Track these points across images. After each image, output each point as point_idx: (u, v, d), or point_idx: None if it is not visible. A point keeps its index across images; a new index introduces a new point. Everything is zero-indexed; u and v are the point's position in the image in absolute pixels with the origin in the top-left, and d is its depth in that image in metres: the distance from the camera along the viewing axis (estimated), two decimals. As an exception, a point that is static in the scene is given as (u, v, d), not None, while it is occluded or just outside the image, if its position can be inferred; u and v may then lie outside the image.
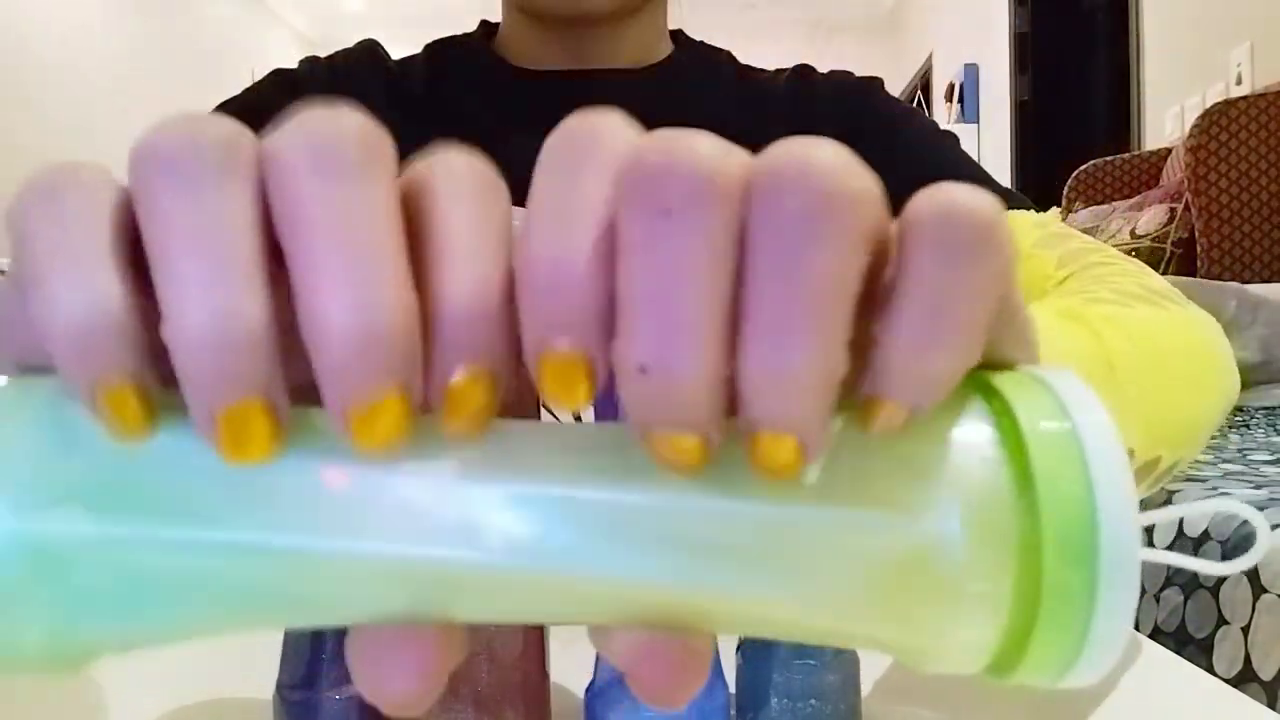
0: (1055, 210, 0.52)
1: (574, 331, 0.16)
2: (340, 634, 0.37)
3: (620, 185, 0.16)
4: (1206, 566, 0.19)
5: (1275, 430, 1.53)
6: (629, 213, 0.16)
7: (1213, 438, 1.45)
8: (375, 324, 0.16)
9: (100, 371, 0.16)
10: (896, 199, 0.18)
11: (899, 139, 0.65)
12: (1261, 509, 0.85)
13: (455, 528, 0.17)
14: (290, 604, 0.18)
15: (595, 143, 0.18)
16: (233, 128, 0.17)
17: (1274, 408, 1.68)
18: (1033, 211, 0.55)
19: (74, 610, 0.17)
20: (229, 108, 0.65)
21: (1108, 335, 0.39)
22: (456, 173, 0.18)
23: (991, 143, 4.49)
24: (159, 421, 0.17)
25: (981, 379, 0.19)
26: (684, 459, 0.17)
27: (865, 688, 0.37)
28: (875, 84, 0.70)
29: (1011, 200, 0.59)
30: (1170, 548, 0.95)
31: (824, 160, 0.16)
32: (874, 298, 0.17)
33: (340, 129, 0.17)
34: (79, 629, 0.17)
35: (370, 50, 0.69)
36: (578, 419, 0.17)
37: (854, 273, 0.16)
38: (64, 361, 0.16)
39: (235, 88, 0.70)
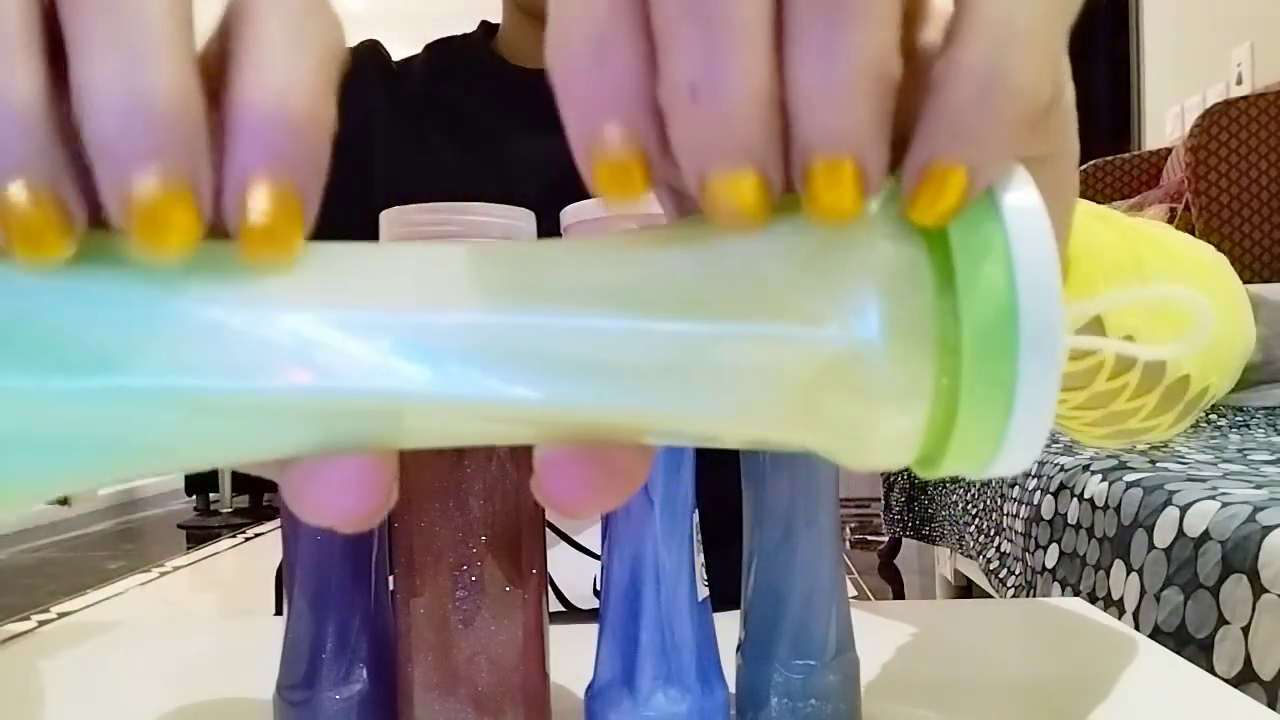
0: None
1: (621, 111, 0.16)
2: (341, 634, 0.37)
3: None
4: (1145, 351, 0.18)
5: (1275, 430, 1.53)
6: None
7: (1212, 437, 1.45)
8: (145, 90, 0.15)
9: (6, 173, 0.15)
10: None
11: None
12: (1262, 509, 0.85)
13: (356, 359, 0.16)
14: (195, 448, 0.17)
15: None
16: None
17: (1274, 408, 1.68)
18: None
19: None
20: None
21: (1134, 238, 0.38)
22: None
23: (991, 143, 4.48)
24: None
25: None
26: (744, 202, 0.16)
27: (865, 688, 0.37)
28: None
29: None
30: (1170, 548, 0.95)
31: None
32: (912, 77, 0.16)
33: None
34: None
35: (371, 50, 0.69)
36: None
37: None
38: None
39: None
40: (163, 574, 3.00)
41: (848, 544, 3.18)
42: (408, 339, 0.16)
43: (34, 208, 0.15)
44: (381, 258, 0.18)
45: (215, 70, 0.16)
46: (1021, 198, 0.16)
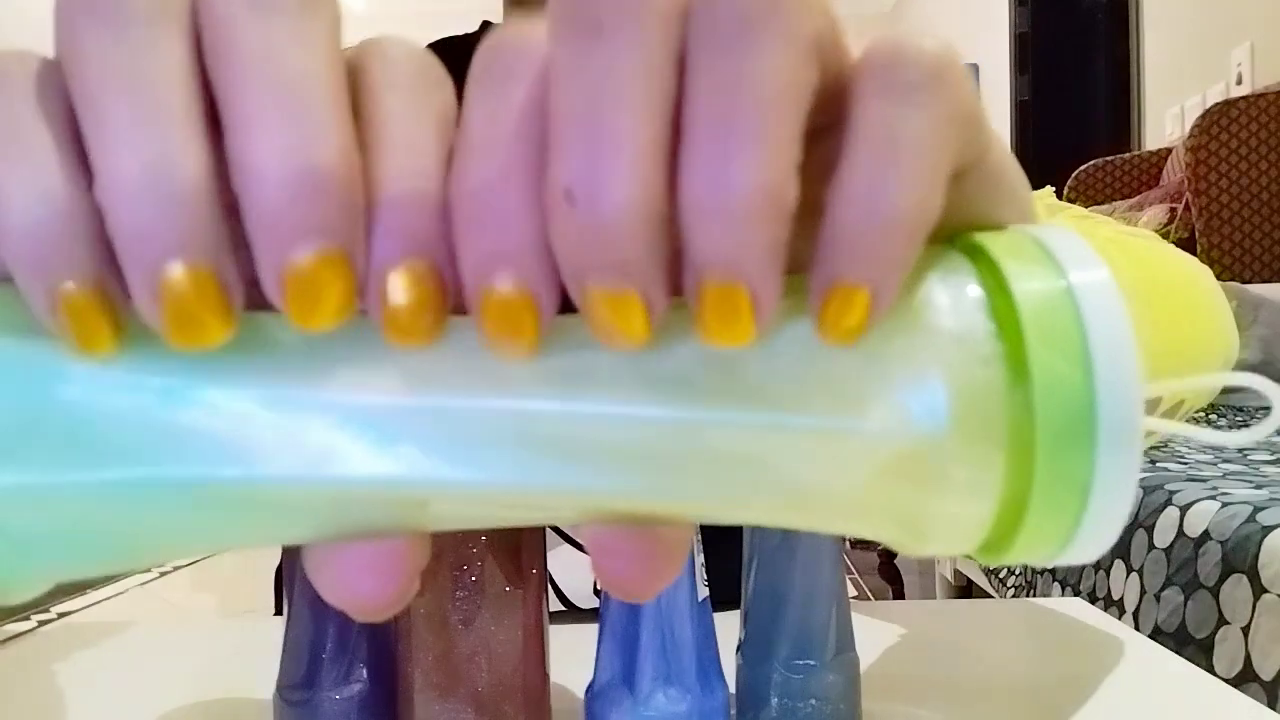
0: (1049, 189, 0.52)
1: (513, 261, 0.15)
2: (341, 634, 0.37)
3: (550, 17, 0.15)
4: (1217, 437, 0.17)
5: (1275, 430, 1.53)
6: (557, 39, 0.15)
7: (1230, 428, 1.45)
8: (312, 164, 0.14)
9: (57, 276, 0.14)
10: None
11: None
12: (1262, 509, 0.85)
13: (402, 449, 0.16)
14: (232, 533, 0.17)
15: (518, 52, 0.16)
16: None
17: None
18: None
19: (14, 553, 0.16)
20: None
21: (1111, 254, 0.38)
22: (395, 56, 0.17)
23: (991, 143, 4.48)
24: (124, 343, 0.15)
25: (969, 241, 0.17)
26: (623, 322, 0.15)
27: (865, 688, 0.37)
28: None
29: None
30: (1170, 548, 0.95)
31: None
32: (825, 172, 0.16)
33: None
34: (22, 568, 0.16)
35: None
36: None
37: (799, 82, 0.15)
38: (18, 267, 0.15)
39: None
40: (163, 574, 3.00)
41: (848, 544, 3.17)
42: (441, 430, 0.16)
43: (195, 291, 0.14)
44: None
45: None
46: (1093, 277, 0.16)
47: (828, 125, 0.16)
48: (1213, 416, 1.66)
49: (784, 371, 0.16)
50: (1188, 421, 0.43)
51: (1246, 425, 1.43)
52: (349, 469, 0.16)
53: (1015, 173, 0.20)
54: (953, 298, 0.16)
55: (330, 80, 0.15)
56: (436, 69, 0.17)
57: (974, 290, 0.16)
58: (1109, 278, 0.16)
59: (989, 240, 0.17)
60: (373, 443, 0.16)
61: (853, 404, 0.16)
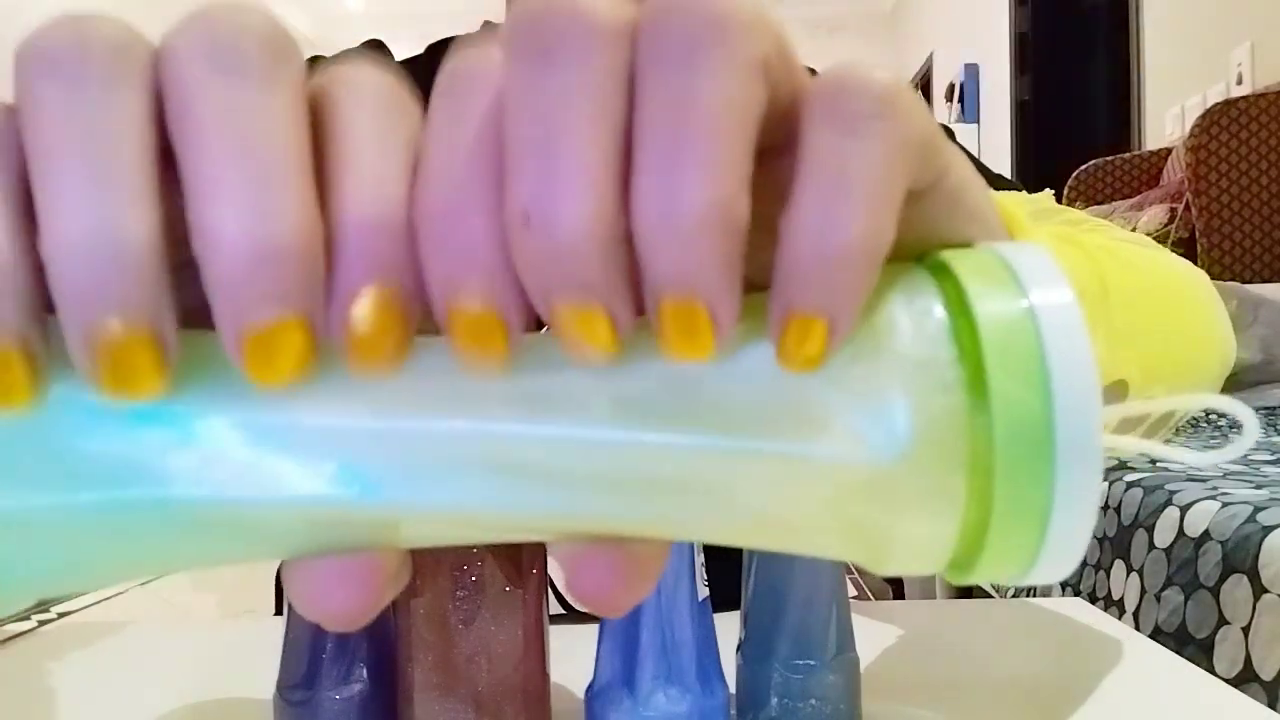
0: (1049, 191, 0.52)
1: (479, 282, 0.15)
2: (340, 634, 0.37)
3: (502, 43, 0.15)
4: (1184, 455, 0.17)
5: (1275, 430, 1.53)
6: (511, 65, 0.15)
7: (1212, 437, 1.45)
8: (272, 236, 0.14)
9: None
10: None
11: None
12: (1262, 509, 0.85)
13: (371, 473, 0.16)
14: (204, 553, 0.17)
15: (476, 76, 0.16)
16: (125, 27, 0.16)
17: (1274, 408, 1.68)
18: (1023, 192, 0.55)
19: None
20: None
21: (1102, 260, 0.38)
22: (360, 83, 0.17)
23: (991, 143, 4.48)
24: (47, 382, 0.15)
25: (935, 259, 0.17)
26: (591, 336, 0.15)
27: (865, 688, 0.37)
28: None
29: (1004, 186, 0.59)
30: (1170, 548, 0.95)
31: None
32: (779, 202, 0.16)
33: (242, 24, 0.15)
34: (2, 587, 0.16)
35: (374, 51, 0.69)
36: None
37: (747, 101, 0.15)
38: None
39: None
40: (163, 574, 3.00)
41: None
42: (408, 454, 0.16)
43: (129, 345, 0.15)
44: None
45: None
46: (1056, 299, 0.16)
47: (783, 144, 0.16)
48: (1212, 416, 1.66)
49: (747, 396, 0.16)
50: (1178, 429, 0.43)
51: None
52: (317, 492, 0.16)
53: (979, 191, 0.20)
54: (915, 321, 0.16)
55: (291, 145, 0.15)
56: (403, 94, 0.17)
57: (937, 313, 0.16)
58: (1072, 299, 0.16)
59: (955, 259, 0.17)
60: (340, 466, 0.16)
61: (814, 429, 0.16)
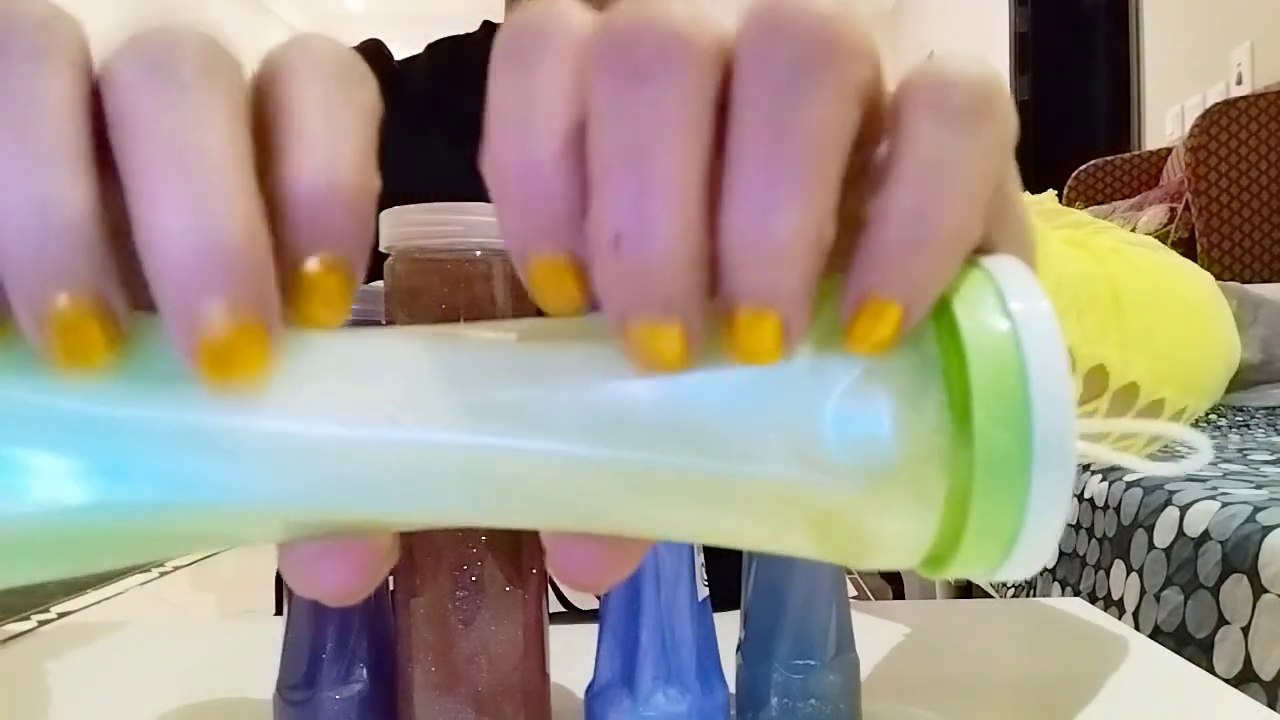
0: (1051, 193, 0.52)
1: (554, 236, 0.16)
2: (340, 634, 0.37)
3: (589, 58, 0.16)
4: (1141, 465, 0.18)
5: (1275, 430, 1.53)
6: (599, 81, 0.15)
7: (1212, 437, 1.45)
8: (212, 240, 0.14)
9: None
10: None
11: None
12: (1262, 509, 0.85)
13: (347, 459, 0.16)
14: (183, 538, 0.17)
15: (547, 31, 0.17)
16: (50, 8, 0.16)
17: (1274, 408, 1.68)
18: (1026, 194, 0.55)
19: None
20: None
21: (1112, 265, 0.38)
22: (312, 53, 0.17)
23: (991, 143, 4.48)
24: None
25: None
26: (664, 353, 0.15)
27: (865, 688, 0.37)
28: None
29: None
30: (1170, 548, 0.95)
31: (822, 5, 0.15)
32: (861, 183, 0.16)
33: (177, 36, 0.16)
34: None
35: (373, 51, 0.69)
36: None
37: (848, 129, 0.15)
38: None
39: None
40: (163, 574, 3.00)
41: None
42: (387, 463, 0.16)
43: (77, 319, 0.15)
44: (374, 355, 0.17)
45: (256, 134, 0.16)
46: (1033, 309, 0.16)
47: (863, 137, 0.16)
48: (1212, 416, 1.66)
49: (728, 414, 0.16)
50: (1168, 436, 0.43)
51: (1246, 426, 1.41)
52: (286, 498, 0.16)
53: (1022, 203, 0.20)
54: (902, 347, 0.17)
55: (229, 149, 0.15)
56: (359, 65, 0.18)
57: (925, 335, 0.17)
58: (1052, 317, 0.16)
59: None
60: (321, 472, 0.16)
61: (796, 448, 0.16)
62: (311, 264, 0.16)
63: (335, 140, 0.16)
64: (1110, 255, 0.39)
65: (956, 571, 0.17)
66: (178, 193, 0.15)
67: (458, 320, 0.15)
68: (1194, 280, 0.45)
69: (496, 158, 0.16)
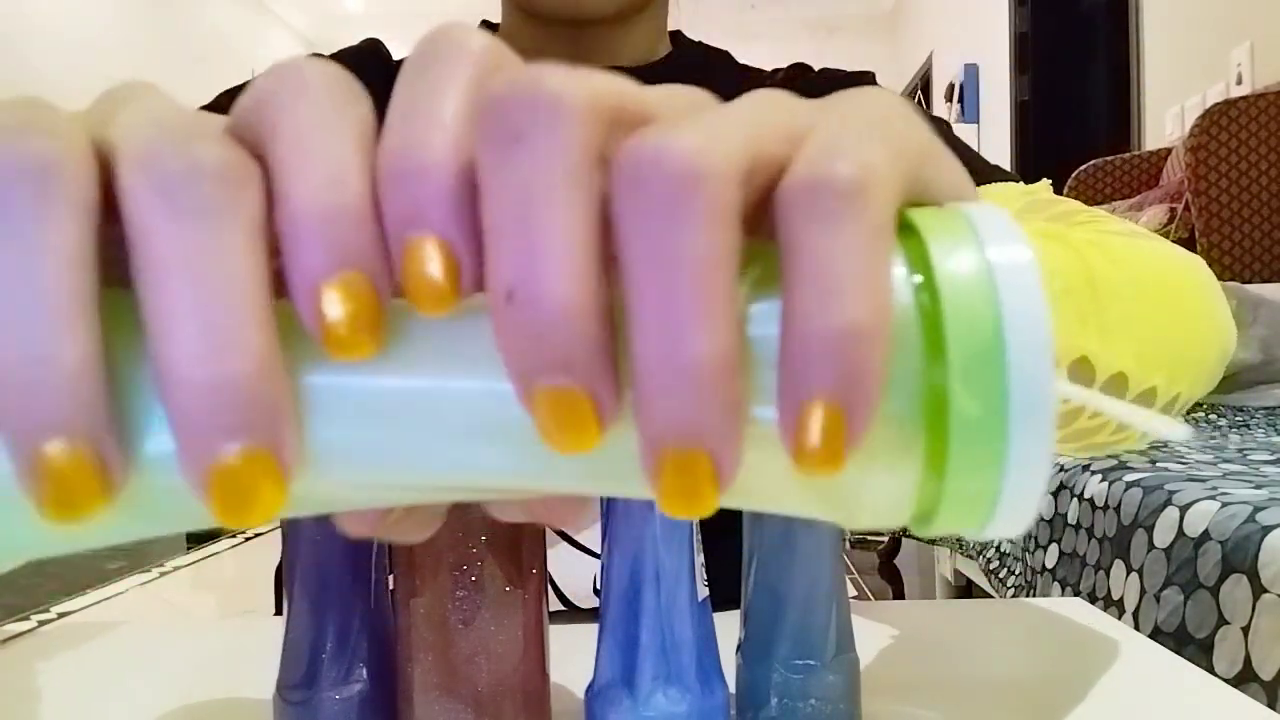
0: (1046, 182, 0.52)
1: (433, 222, 0.16)
2: (340, 634, 0.37)
3: (476, 129, 0.16)
4: (1134, 415, 0.17)
5: (1275, 430, 1.53)
6: (483, 144, 0.16)
7: (1211, 437, 1.45)
8: (229, 374, 0.15)
9: None
10: None
11: None
12: (1262, 509, 0.85)
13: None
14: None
15: (449, 46, 0.17)
16: (54, 143, 0.15)
17: (1274, 408, 1.68)
18: (1020, 183, 0.55)
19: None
20: (230, 97, 0.65)
21: (1089, 255, 0.38)
22: (299, 75, 0.17)
23: (991, 143, 4.48)
24: None
25: (901, 217, 0.18)
26: (573, 424, 0.15)
27: (865, 688, 0.37)
28: (867, 79, 0.70)
29: (1001, 177, 0.59)
30: (1170, 548, 0.95)
31: (680, 145, 0.15)
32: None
33: (196, 158, 0.16)
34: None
35: (373, 50, 0.69)
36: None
37: (731, 249, 0.15)
38: None
39: (235, 88, 0.70)
40: (163, 574, 3.00)
41: (848, 544, 3.18)
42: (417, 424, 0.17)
43: (70, 467, 0.15)
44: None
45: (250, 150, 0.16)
46: (1012, 252, 0.16)
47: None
48: (1212, 416, 1.66)
49: None
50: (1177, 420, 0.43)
51: (1246, 426, 1.41)
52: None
53: (948, 158, 0.20)
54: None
55: (247, 281, 0.15)
56: (352, 84, 0.18)
57: (898, 274, 0.16)
58: (1031, 259, 0.16)
59: (919, 216, 0.17)
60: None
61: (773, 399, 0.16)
62: (329, 286, 0.16)
63: (339, 158, 0.16)
64: (1088, 247, 0.39)
65: (941, 528, 0.17)
66: (196, 334, 0.15)
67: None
68: (1181, 266, 0.45)
69: (386, 144, 0.16)
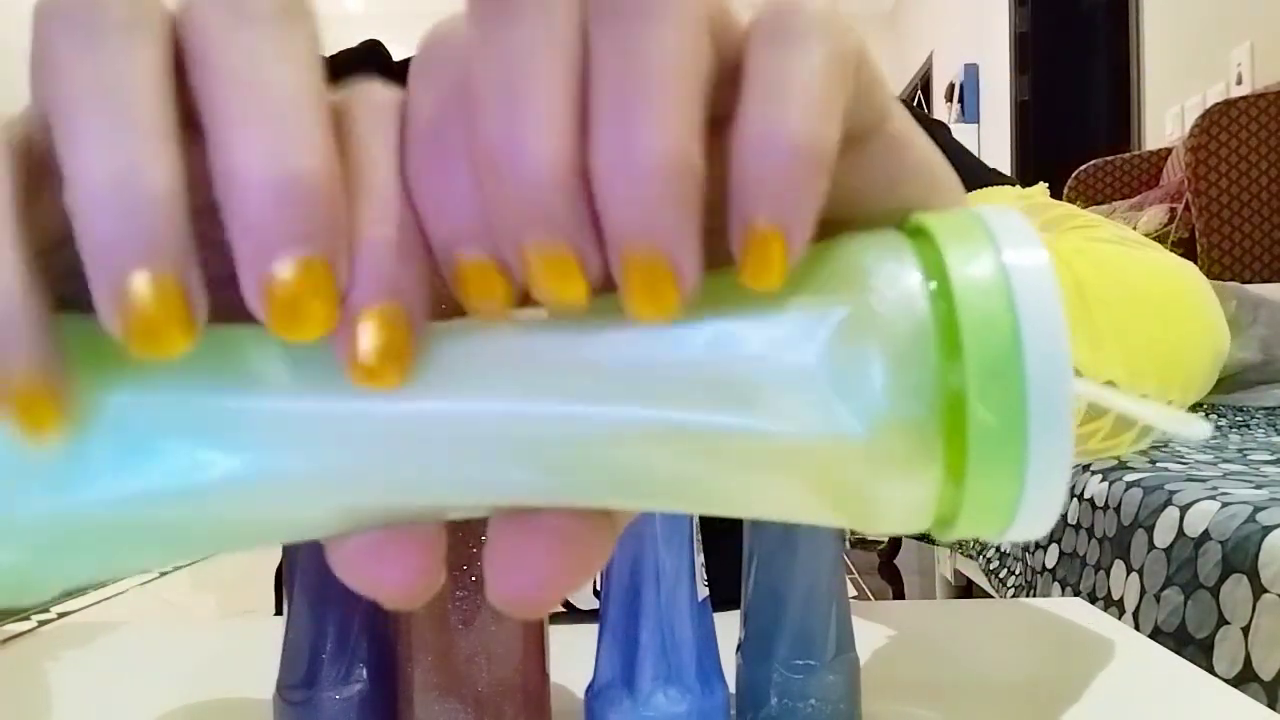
0: (1043, 186, 0.52)
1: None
2: (341, 634, 0.37)
3: (465, 6, 0.16)
4: (1152, 412, 0.17)
5: (1275, 430, 1.53)
6: (472, 23, 0.16)
7: (1212, 437, 1.45)
8: (295, 173, 0.15)
9: None
10: None
11: None
12: (1262, 509, 0.85)
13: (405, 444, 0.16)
14: (225, 536, 0.17)
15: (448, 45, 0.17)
16: None
17: (1274, 408, 1.68)
18: (1017, 186, 0.55)
19: (37, 564, 0.16)
20: None
21: (1077, 264, 0.38)
22: (378, 102, 0.17)
23: (991, 143, 4.48)
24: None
25: (913, 222, 0.18)
26: (560, 282, 0.15)
27: (865, 688, 0.37)
28: None
29: (998, 180, 0.59)
30: (1170, 548, 0.95)
31: None
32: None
33: None
34: (43, 577, 0.17)
35: (372, 51, 0.69)
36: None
37: (697, 53, 0.16)
38: None
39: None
40: (163, 574, 3.00)
41: (848, 544, 3.18)
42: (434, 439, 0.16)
43: (158, 301, 0.14)
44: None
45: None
46: (1028, 256, 0.16)
47: (730, 115, 0.17)
48: (1212, 416, 1.66)
49: (716, 374, 0.16)
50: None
51: (1246, 426, 1.41)
52: (336, 482, 0.16)
53: (928, 150, 0.20)
54: (890, 287, 0.16)
55: (310, 88, 0.16)
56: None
57: (913, 279, 0.16)
58: (1048, 265, 0.16)
59: (932, 221, 0.17)
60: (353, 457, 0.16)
61: (791, 403, 0.16)
62: (366, 319, 0.16)
63: (390, 188, 0.17)
64: (1075, 255, 0.39)
65: (962, 533, 0.17)
66: (259, 130, 0.15)
67: (461, 314, 0.15)
68: (1172, 272, 0.45)
69: (410, 171, 0.17)
